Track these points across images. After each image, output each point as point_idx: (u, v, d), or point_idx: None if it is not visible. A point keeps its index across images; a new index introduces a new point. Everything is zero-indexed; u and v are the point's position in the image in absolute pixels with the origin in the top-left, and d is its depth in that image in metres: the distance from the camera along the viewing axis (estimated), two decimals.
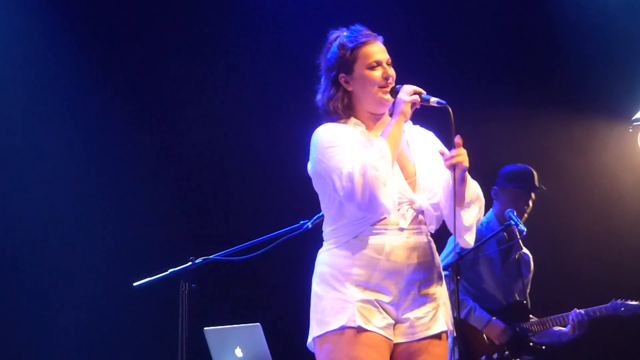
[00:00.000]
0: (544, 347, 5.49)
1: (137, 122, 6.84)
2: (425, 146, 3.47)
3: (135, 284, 4.88)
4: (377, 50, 3.42)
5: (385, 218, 3.23)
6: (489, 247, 5.45)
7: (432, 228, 3.39)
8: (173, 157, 6.82)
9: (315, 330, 3.29)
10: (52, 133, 6.70)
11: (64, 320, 6.53)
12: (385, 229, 3.25)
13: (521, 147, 7.12)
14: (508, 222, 5.30)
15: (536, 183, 5.60)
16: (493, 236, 5.36)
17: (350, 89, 3.39)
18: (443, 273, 3.39)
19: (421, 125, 3.62)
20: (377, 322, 3.22)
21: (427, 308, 3.30)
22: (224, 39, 6.97)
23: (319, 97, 3.46)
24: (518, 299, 5.52)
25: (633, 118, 7.13)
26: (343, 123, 3.40)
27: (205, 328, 4.99)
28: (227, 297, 6.77)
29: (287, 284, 6.27)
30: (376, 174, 3.15)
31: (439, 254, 5.41)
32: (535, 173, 5.66)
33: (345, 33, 3.46)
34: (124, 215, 6.67)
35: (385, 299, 3.24)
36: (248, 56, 6.97)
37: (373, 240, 3.25)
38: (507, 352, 5.38)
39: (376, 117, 3.43)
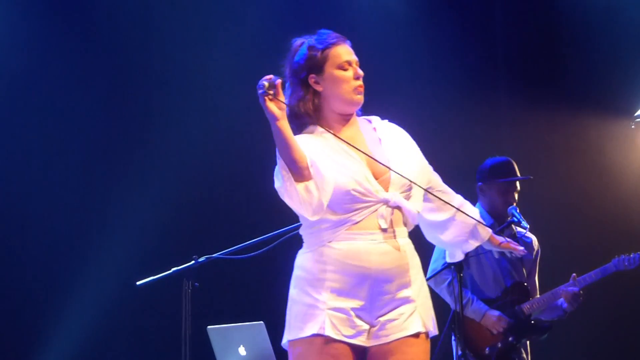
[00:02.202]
0: (547, 324, 5.49)
1: (140, 121, 6.84)
2: (398, 142, 3.43)
3: (138, 282, 4.88)
4: (346, 51, 3.39)
5: (361, 221, 3.22)
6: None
7: (410, 226, 3.36)
8: (176, 155, 6.81)
9: (287, 334, 3.28)
10: (55, 132, 6.71)
11: (68, 319, 6.53)
12: (361, 234, 3.22)
13: (524, 142, 7.12)
14: (511, 219, 5.29)
15: (518, 173, 5.59)
16: (500, 230, 5.37)
17: (320, 89, 3.36)
18: (422, 273, 3.38)
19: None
20: (348, 331, 3.19)
21: (402, 310, 3.25)
22: (227, 35, 6.98)
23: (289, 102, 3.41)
24: (517, 280, 5.52)
25: (636, 114, 7.13)
26: (309, 133, 3.37)
27: (208, 327, 4.99)
28: (230, 295, 6.77)
29: (290, 282, 6.27)
30: (285, 192, 3.18)
31: (431, 256, 5.48)
32: (514, 163, 5.65)
33: (313, 37, 3.44)
34: (126, 214, 6.67)
35: (358, 304, 3.21)
36: (253, 53, 6.97)
37: (347, 245, 3.21)
38: (510, 338, 5.38)
39: (344, 119, 3.40)
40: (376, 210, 3.24)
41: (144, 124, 6.84)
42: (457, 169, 6.99)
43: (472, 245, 3.53)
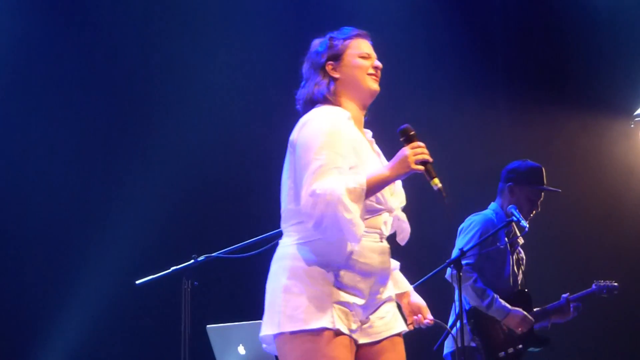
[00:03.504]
0: (547, 336, 5.58)
1: (140, 121, 6.85)
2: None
3: (137, 281, 4.89)
4: (367, 45, 3.42)
5: (368, 219, 3.21)
6: (502, 239, 5.52)
7: (402, 240, 3.40)
8: (175, 154, 6.82)
9: (285, 325, 3.18)
10: (54, 132, 6.71)
11: (68, 318, 6.53)
12: (367, 232, 3.21)
13: (523, 142, 7.13)
14: (511, 218, 5.36)
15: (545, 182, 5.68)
16: (501, 228, 5.41)
17: (337, 75, 3.35)
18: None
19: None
20: (351, 325, 3.19)
21: (387, 308, 3.30)
22: (229, 34, 6.98)
23: (299, 91, 3.42)
24: (521, 289, 5.62)
25: (635, 113, 7.14)
26: (334, 105, 3.33)
27: (207, 326, 4.99)
28: (229, 294, 6.77)
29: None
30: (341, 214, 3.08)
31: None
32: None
33: (336, 32, 3.46)
34: (126, 213, 6.67)
35: (359, 301, 3.21)
36: (253, 53, 6.97)
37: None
38: (520, 346, 5.43)
39: (358, 111, 3.39)
40: (381, 214, 3.26)
41: (144, 123, 6.84)
42: (456, 170, 7.02)
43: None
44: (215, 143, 6.84)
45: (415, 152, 3.11)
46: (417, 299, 3.45)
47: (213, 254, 4.87)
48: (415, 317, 3.40)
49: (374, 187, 3.13)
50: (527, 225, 5.33)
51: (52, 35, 6.74)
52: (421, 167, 3.11)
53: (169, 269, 4.85)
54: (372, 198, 3.19)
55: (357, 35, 3.41)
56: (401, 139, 3.20)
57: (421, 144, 3.15)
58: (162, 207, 6.69)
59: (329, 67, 3.36)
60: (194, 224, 6.75)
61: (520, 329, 5.42)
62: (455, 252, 5.39)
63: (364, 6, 7.18)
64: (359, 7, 7.15)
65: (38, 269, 6.60)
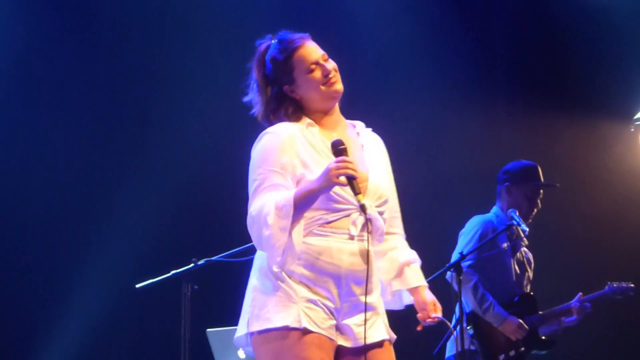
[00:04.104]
0: (553, 339, 5.58)
1: (140, 125, 6.85)
2: (377, 152, 3.42)
3: (137, 285, 4.89)
4: (309, 51, 3.36)
5: (334, 221, 3.21)
6: (503, 241, 5.52)
7: (379, 238, 3.33)
8: (175, 158, 6.81)
9: (253, 325, 3.24)
10: (54, 135, 6.71)
11: (68, 321, 6.53)
12: (333, 232, 3.22)
13: (523, 145, 7.13)
14: (511, 222, 5.36)
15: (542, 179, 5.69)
16: (503, 231, 5.41)
17: (298, 97, 3.35)
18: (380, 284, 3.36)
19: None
20: (322, 322, 3.18)
21: (367, 315, 3.24)
22: (228, 36, 6.98)
23: (256, 108, 3.48)
24: (527, 291, 5.62)
25: (635, 117, 7.14)
26: (295, 121, 3.34)
27: (207, 329, 4.99)
28: (229, 298, 6.73)
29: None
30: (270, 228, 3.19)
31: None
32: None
33: (273, 42, 3.43)
34: (126, 216, 6.67)
35: (328, 303, 3.20)
36: (251, 53, 6.96)
37: (320, 242, 3.20)
38: (522, 349, 5.44)
39: (326, 113, 3.38)
40: (349, 215, 3.24)
41: (143, 127, 6.84)
42: (457, 173, 7.03)
43: (394, 287, 3.40)
44: (216, 145, 6.83)
45: (339, 167, 3.11)
46: (424, 296, 3.38)
47: (213, 258, 4.87)
48: (419, 314, 3.36)
49: (303, 201, 3.15)
50: (527, 229, 5.35)
51: (52, 35, 6.74)
52: (343, 181, 3.12)
53: (169, 272, 4.86)
54: (331, 200, 3.20)
55: (297, 48, 3.35)
56: (331, 152, 3.21)
57: (347, 158, 3.14)
58: (162, 210, 6.68)
59: (287, 92, 3.36)
60: (194, 227, 6.74)
61: (515, 336, 5.42)
62: (455, 255, 5.39)
63: (363, 7, 7.18)
64: (359, 8, 7.16)
65: (38, 272, 6.60)
